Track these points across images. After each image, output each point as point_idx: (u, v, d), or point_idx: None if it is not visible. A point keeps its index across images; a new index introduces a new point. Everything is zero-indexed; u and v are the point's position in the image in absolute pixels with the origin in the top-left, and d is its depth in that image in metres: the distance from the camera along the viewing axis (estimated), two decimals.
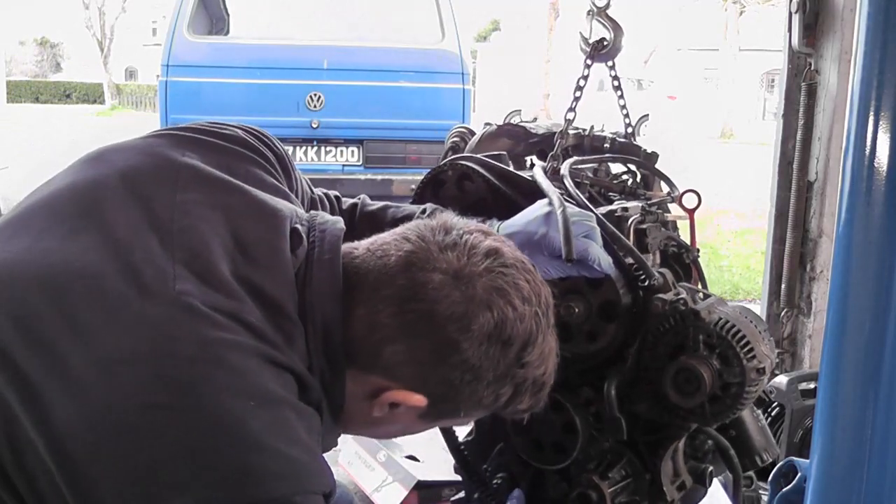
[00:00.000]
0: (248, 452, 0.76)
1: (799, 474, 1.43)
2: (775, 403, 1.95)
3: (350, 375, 0.90)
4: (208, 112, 4.99)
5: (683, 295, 1.16)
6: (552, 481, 1.31)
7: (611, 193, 1.50)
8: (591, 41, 1.49)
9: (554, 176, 1.32)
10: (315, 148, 5.17)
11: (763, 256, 2.53)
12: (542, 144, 1.53)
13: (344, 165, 5.19)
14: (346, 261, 0.92)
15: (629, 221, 1.31)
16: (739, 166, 12.12)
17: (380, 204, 1.27)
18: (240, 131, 1.04)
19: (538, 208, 1.19)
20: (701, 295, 1.23)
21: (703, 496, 1.34)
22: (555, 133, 1.49)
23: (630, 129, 1.61)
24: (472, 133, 1.55)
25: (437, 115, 5.02)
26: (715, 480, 1.49)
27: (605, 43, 1.49)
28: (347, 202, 1.27)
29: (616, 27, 1.48)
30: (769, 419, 1.95)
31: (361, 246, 0.94)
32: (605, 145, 1.52)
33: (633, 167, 1.58)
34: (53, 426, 0.73)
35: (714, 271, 5.66)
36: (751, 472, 1.46)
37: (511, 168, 1.33)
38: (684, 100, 22.75)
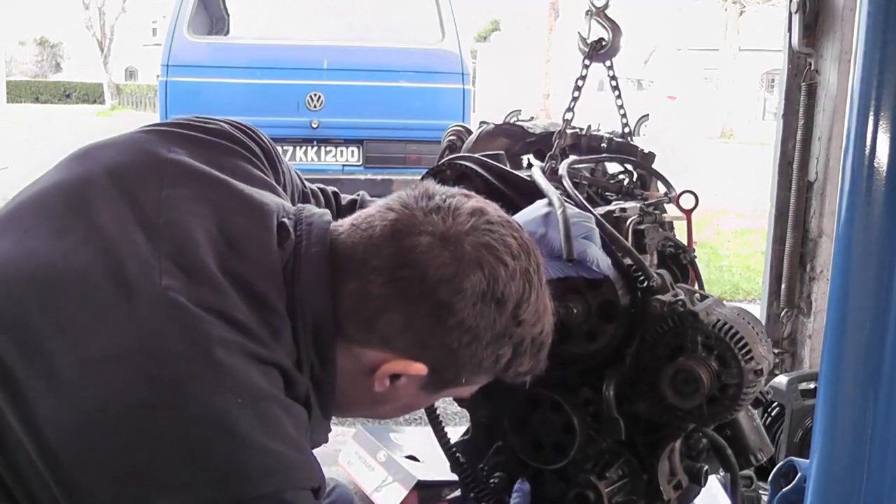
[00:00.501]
0: (236, 450, 0.76)
1: (799, 474, 1.43)
2: (775, 403, 1.95)
3: (347, 353, 0.90)
4: (208, 112, 4.97)
5: (682, 296, 1.17)
6: (550, 481, 1.31)
7: (608, 193, 1.50)
8: (589, 41, 1.49)
9: (552, 176, 1.32)
10: (315, 148, 5.17)
11: (763, 256, 2.53)
12: (540, 144, 1.53)
13: (344, 165, 5.19)
14: (331, 238, 0.91)
15: (627, 222, 1.31)
16: (739, 166, 12.12)
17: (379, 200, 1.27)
18: (225, 125, 1.04)
19: (537, 209, 1.19)
20: (699, 296, 1.23)
21: (698, 494, 1.35)
22: (552, 133, 1.49)
23: (627, 129, 1.61)
24: (469, 132, 1.55)
25: (437, 115, 5.01)
26: (715, 480, 1.49)
27: (604, 43, 1.49)
28: (347, 198, 1.27)
29: (615, 27, 1.49)
30: (769, 419, 1.95)
31: (345, 223, 0.93)
32: (602, 145, 1.52)
33: (630, 167, 1.58)
34: (40, 427, 0.73)
35: (714, 271, 5.66)
36: (751, 472, 1.46)
37: (509, 168, 1.33)
38: (684, 100, 22.74)
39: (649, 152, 1.57)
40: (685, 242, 1.50)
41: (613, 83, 1.57)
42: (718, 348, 1.13)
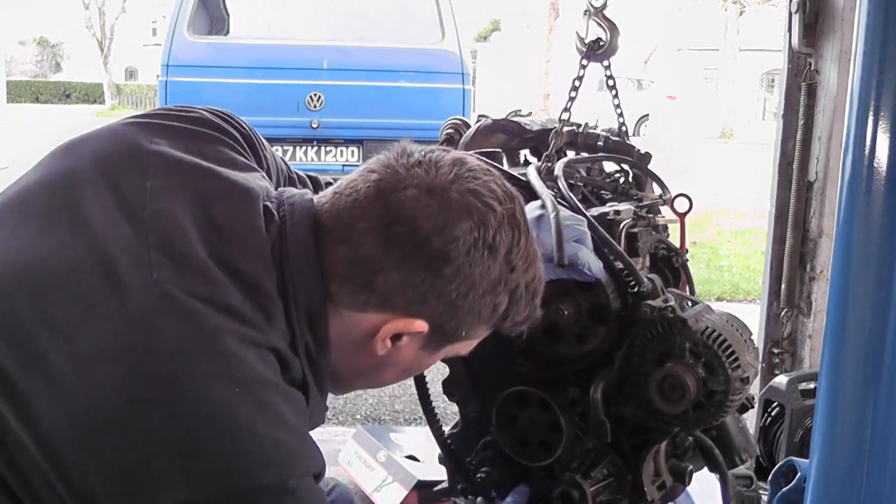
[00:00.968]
0: (235, 441, 0.76)
1: (799, 474, 1.43)
2: (775, 403, 1.94)
3: (343, 322, 0.90)
4: None
5: (672, 302, 1.17)
6: (536, 478, 1.31)
7: (603, 193, 1.50)
8: (587, 41, 1.49)
9: (548, 175, 1.32)
10: (315, 148, 5.18)
11: (763, 256, 2.52)
12: (537, 140, 1.54)
13: (344, 165, 5.19)
14: (316, 209, 0.91)
15: (621, 225, 1.32)
16: (739, 166, 12.12)
17: None
18: (206, 113, 1.04)
19: (530, 210, 1.19)
20: (689, 302, 1.24)
21: (682, 493, 1.36)
22: (549, 129, 1.49)
23: (623, 129, 1.61)
24: (467, 126, 1.55)
25: (437, 115, 4.99)
26: (714, 479, 1.50)
27: (601, 43, 1.49)
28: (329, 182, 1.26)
29: (612, 27, 1.49)
30: (769, 419, 1.95)
31: (328, 193, 0.94)
32: (599, 143, 1.52)
33: (626, 167, 1.58)
34: (40, 425, 0.73)
35: (714, 271, 5.66)
36: (751, 473, 1.46)
37: (506, 166, 1.33)
38: (684, 100, 22.73)
39: (646, 153, 1.57)
40: (679, 244, 1.50)
41: (611, 83, 1.57)
42: (706, 355, 1.13)
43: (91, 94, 33.21)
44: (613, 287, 1.20)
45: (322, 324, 0.89)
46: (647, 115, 17.98)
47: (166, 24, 5.45)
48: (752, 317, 2.08)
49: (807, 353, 2.33)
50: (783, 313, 2.34)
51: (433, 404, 1.36)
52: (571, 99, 1.46)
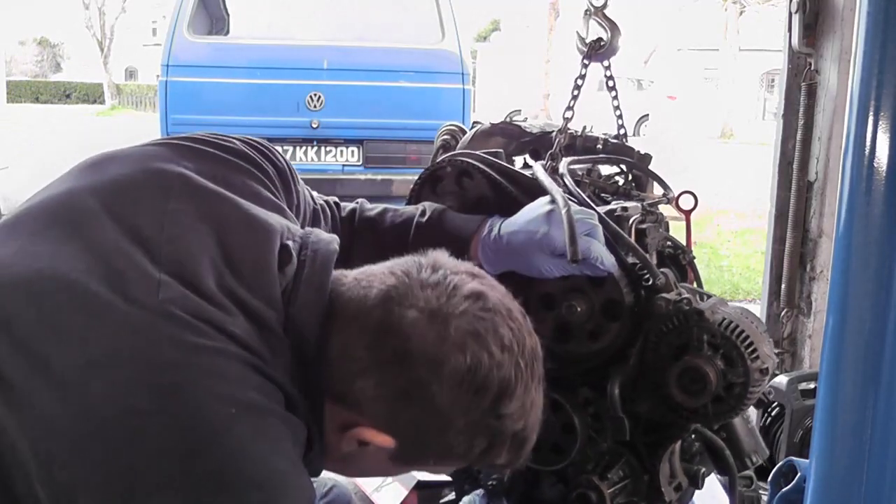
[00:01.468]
0: (228, 458, 0.75)
1: (799, 474, 1.43)
2: (775, 403, 1.94)
3: (326, 400, 0.89)
4: (208, 112, 4.99)
5: (687, 295, 1.16)
6: (548, 483, 1.30)
7: (604, 195, 1.50)
8: (587, 41, 1.49)
9: (552, 175, 1.32)
10: (315, 148, 5.18)
11: (763, 256, 2.52)
12: (536, 144, 1.53)
13: (344, 165, 5.19)
14: (333, 286, 0.91)
15: (630, 221, 1.31)
16: (739, 166, 12.11)
17: (379, 208, 1.27)
18: (239, 143, 1.03)
19: (539, 206, 1.19)
20: (702, 296, 1.23)
21: (692, 497, 1.35)
22: (548, 133, 1.49)
23: (622, 131, 1.61)
24: (463, 131, 1.55)
25: (437, 115, 5.00)
26: (715, 480, 1.49)
27: (602, 43, 1.49)
28: (347, 208, 1.26)
29: (613, 27, 1.49)
30: (769, 419, 1.95)
31: (351, 275, 0.93)
32: (598, 146, 1.52)
33: (626, 168, 1.58)
34: (35, 428, 0.73)
35: (714, 271, 5.66)
36: (751, 472, 1.46)
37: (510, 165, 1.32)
38: (684, 100, 22.73)
39: (646, 154, 1.57)
40: (683, 243, 1.50)
41: (611, 83, 1.57)
42: (724, 347, 1.12)
43: (91, 94, 33.21)
44: (626, 281, 1.18)
45: (317, 372, 0.87)
46: (647, 115, 17.99)
47: (166, 24, 5.45)
48: None
49: (807, 353, 2.33)
50: (783, 313, 2.34)
51: None
52: (574, 98, 1.45)
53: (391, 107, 5.18)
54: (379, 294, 0.87)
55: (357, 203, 1.27)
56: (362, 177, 5.15)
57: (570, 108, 1.44)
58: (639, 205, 1.37)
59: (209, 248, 0.87)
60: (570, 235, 1.10)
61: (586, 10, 1.48)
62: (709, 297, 1.23)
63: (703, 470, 1.32)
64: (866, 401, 0.73)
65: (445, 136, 1.55)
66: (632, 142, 1.61)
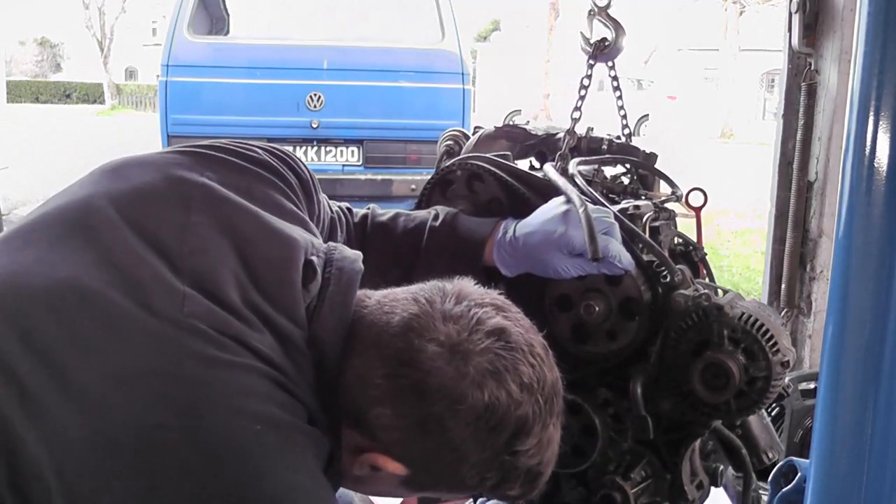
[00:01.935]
0: (248, 477, 0.75)
1: (799, 474, 1.43)
2: (775, 403, 1.94)
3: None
4: (208, 112, 5.00)
5: (705, 290, 1.16)
6: (567, 486, 1.30)
7: (611, 195, 1.49)
8: (592, 41, 1.49)
9: (562, 175, 1.31)
10: (315, 148, 5.18)
11: (763, 256, 2.53)
12: (540, 146, 1.53)
13: (344, 165, 5.20)
14: (356, 307, 0.90)
15: (644, 219, 1.30)
16: (739, 166, 12.11)
17: (391, 213, 1.26)
18: (262, 152, 1.02)
19: (554, 206, 1.18)
20: (719, 291, 1.23)
21: (708, 496, 1.34)
22: (553, 135, 1.48)
23: (627, 131, 1.61)
24: (466, 137, 1.54)
25: (437, 115, 5.03)
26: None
27: (607, 43, 1.48)
28: (359, 214, 1.26)
29: (617, 27, 1.48)
30: (769, 419, 1.95)
31: (374, 297, 0.92)
32: (603, 147, 1.52)
33: (632, 168, 1.57)
34: (55, 440, 0.72)
35: (714, 271, 5.65)
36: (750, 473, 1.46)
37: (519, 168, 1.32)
38: (684, 100, 22.72)
39: (651, 153, 1.56)
40: (694, 240, 1.49)
41: (615, 83, 1.57)
42: (745, 341, 1.11)
43: (91, 94, 33.20)
44: (644, 279, 1.18)
45: (335, 393, 0.87)
46: (647, 115, 17.97)
47: (166, 24, 5.45)
48: None
49: (807, 353, 2.33)
50: (783, 313, 2.34)
51: None
52: (581, 98, 1.45)
53: (391, 107, 5.19)
54: (401, 322, 0.86)
55: (368, 208, 1.27)
56: (362, 177, 5.15)
57: (577, 108, 1.43)
58: (650, 203, 1.37)
59: (231, 261, 0.86)
60: (590, 234, 1.10)
61: (590, 11, 1.48)
62: (724, 292, 1.22)
63: (722, 467, 1.31)
64: (866, 401, 0.73)
65: (449, 142, 1.54)
66: (634, 142, 1.61)
